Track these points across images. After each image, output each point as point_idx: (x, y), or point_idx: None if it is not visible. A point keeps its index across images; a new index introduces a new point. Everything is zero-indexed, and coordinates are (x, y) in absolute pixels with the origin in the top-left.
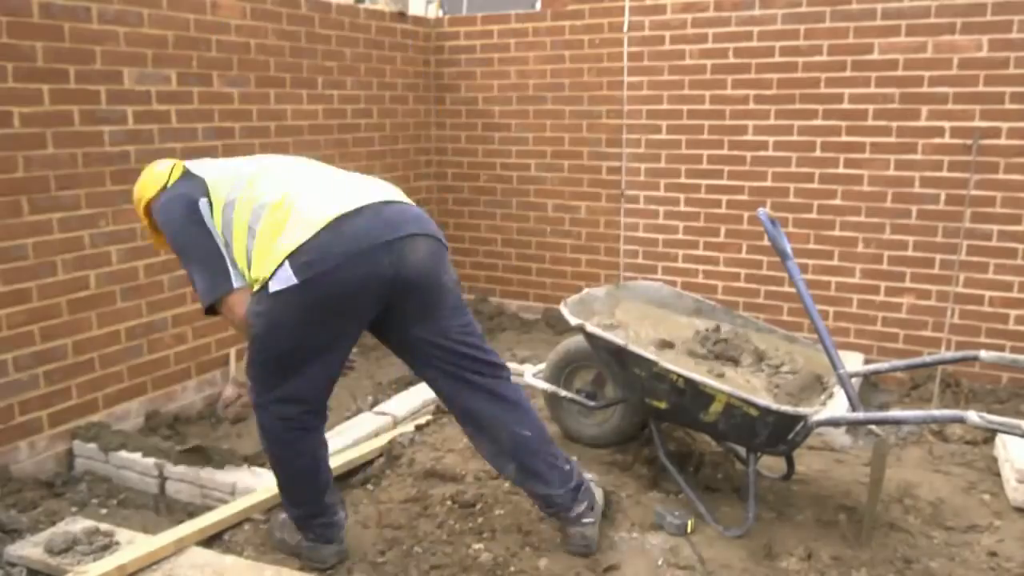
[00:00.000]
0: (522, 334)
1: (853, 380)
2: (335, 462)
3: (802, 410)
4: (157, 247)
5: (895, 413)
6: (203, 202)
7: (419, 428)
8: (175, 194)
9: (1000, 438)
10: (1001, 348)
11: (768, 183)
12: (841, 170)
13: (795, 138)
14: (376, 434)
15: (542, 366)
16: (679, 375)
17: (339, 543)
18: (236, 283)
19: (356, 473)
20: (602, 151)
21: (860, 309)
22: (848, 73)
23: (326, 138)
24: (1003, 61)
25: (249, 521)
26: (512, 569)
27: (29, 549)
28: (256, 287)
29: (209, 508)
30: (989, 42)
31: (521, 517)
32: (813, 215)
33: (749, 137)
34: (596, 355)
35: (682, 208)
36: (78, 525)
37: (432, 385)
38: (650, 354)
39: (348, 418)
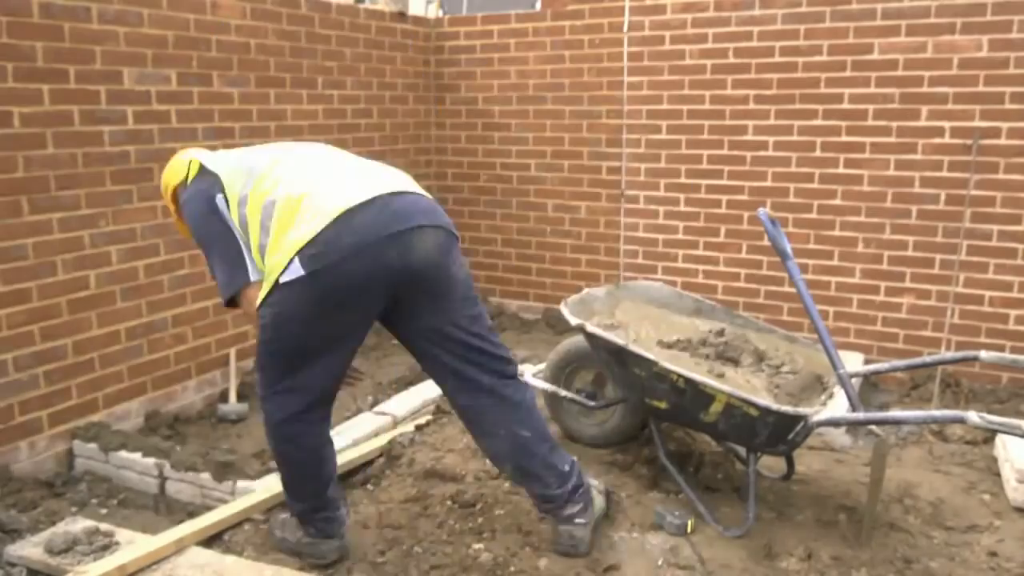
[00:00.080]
0: (522, 334)
1: (853, 380)
2: None
3: (802, 410)
4: (183, 235)
5: (895, 413)
6: (219, 198)
7: (419, 428)
8: (196, 190)
9: (1000, 438)
10: (1001, 348)
11: (768, 183)
12: (841, 170)
13: (795, 138)
14: (376, 434)
15: (542, 366)
16: (679, 375)
17: (339, 538)
18: (254, 276)
19: (356, 473)
20: (602, 151)
21: (860, 309)
22: (848, 73)
23: (326, 138)
24: (1003, 61)
25: (249, 521)
26: (512, 569)
27: (29, 549)
28: (267, 281)
29: (209, 508)
30: (989, 42)
31: (521, 517)
32: (813, 215)
33: (749, 137)
34: (596, 355)
35: (682, 208)
36: (78, 525)
37: (436, 378)
38: (650, 354)
39: (348, 418)
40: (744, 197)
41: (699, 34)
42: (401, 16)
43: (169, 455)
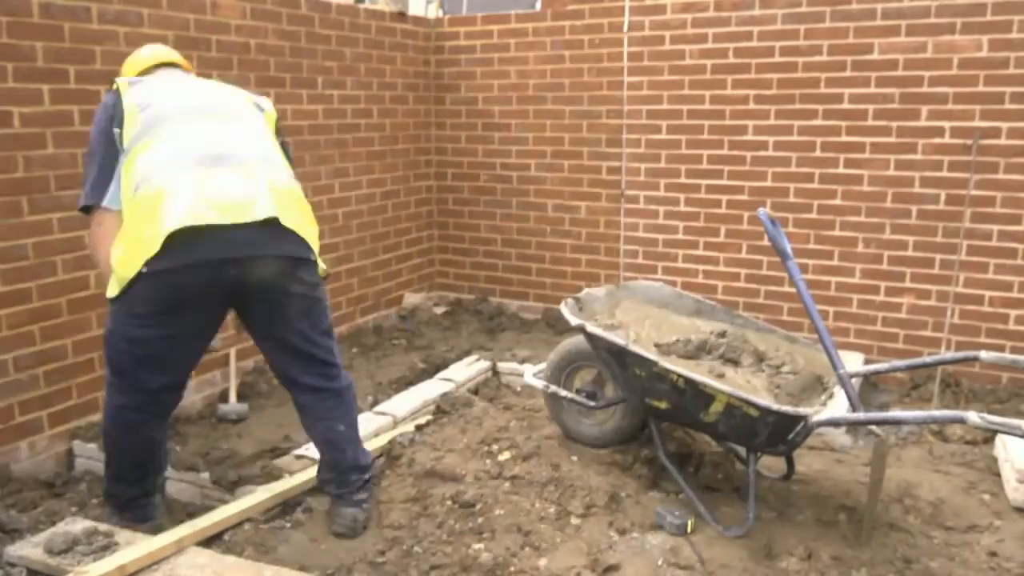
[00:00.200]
0: (522, 334)
1: (853, 380)
2: None
3: (802, 410)
4: None
5: (895, 413)
6: (115, 132)
7: (419, 428)
8: (107, 103)
9: (1000, 438)
10: (1001, 348)
11: (768, 183)
12: (841, 170)
13: (795, 138)
14: (376, 434)
15: (542, 366)
16: (679, 375)
17: (154, 519)
18: (107, 204)
19: None
20: (602, 151)
21: (860, 309)
22: (848, 73)
23: (326, 138)
24: (1003, 61)
25: (249, 521)
26: (512, 569)
27: (29, 549)
28: (116, 277)
29: (209, 508)
30: (989, 42)
31: (521, 517)
32: (813, 215)
33: (749, 137)
34: (596, 355)
35: (682, 208)
36: (78, 525)
37: (275, 374)
38: (650, 354)
39: None
40: (744, 197)
41: (699, 34)
42: (401, 16)
43: (169, 455)
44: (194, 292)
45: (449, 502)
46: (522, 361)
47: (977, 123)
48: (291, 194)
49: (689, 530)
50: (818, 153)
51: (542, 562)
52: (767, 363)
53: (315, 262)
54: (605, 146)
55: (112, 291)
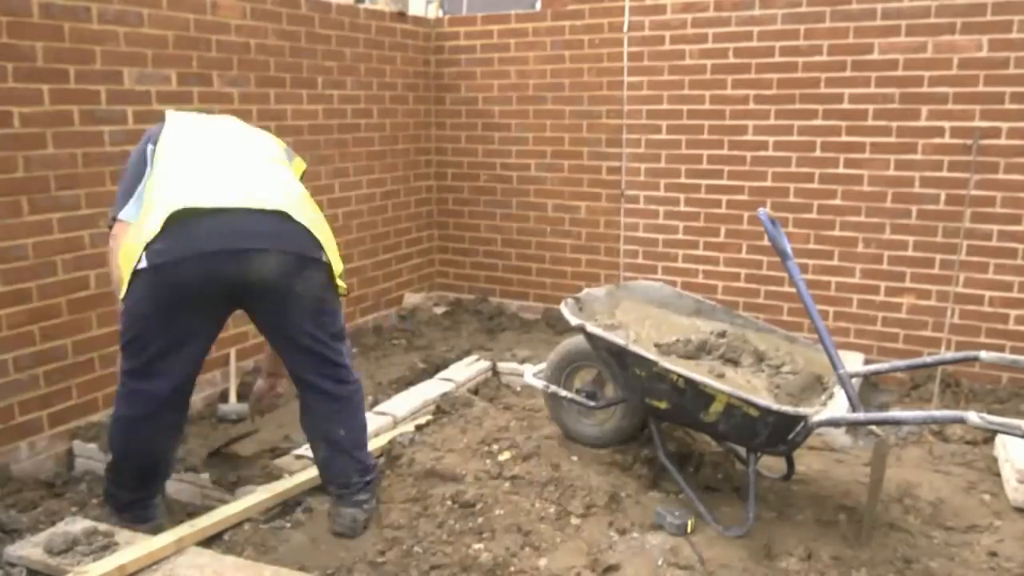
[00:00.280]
0: (522, 334)
1: (853, 380)
2: None
3: (802, 410)
4: None
5: (895, 413)
6: (150, 148)
7: (419, 428)
8: (156, 129)
9: (1000, 438)
10: (1001, 348)
11: (768, 183)
12: (841, 170)
13: (795, 138)
14: (376, 434)
15: (542, 366)
16: (679, 375)
17: (155, 520)
18: (123, 215)
19: None
20: (602, 151)
21: (860, 309)
22: (848, 73)
23: (326, 138)
24: (1003, 61)
25: (249, 521)
26: (512, 569)
27: (29, 549)
28: (125, 270)
29: (209, 508)
30: (989, 42)
31: (521, 517)
32: (813, 215)
33: (749, 137)
34: (596, 355)
35: (682, 208)
36: (78, 525)
37: (287, 370)
38: (650, 354)
39: None
40: (744, 197)
41: (699, 34)
42: (401, 16)
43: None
44: (194, 290)
45: (449, 502)
46: (522, 361)
47: (977, 123)
48: (304, 197)
49: (689, 530)
50: (818, 153)
51: (542, 562)
52: (767, 363)
53: (327, 264)
54: (605, 146)
55: (121, 292)
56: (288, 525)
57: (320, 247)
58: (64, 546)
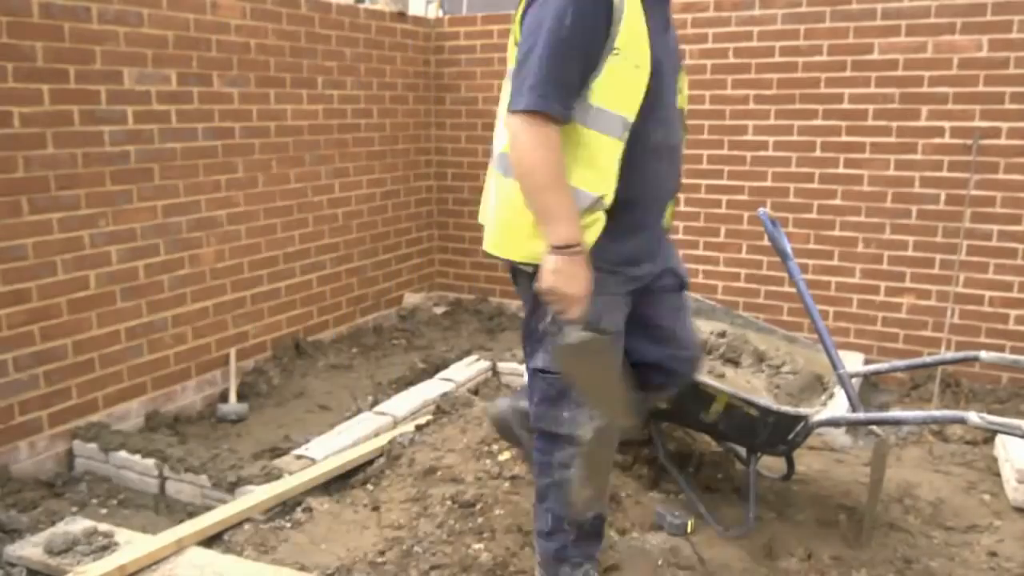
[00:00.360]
0: None
1: (853, 380)
2: (335, 462)
3: (802, 410)
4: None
5: (895, 413)
6: (605, 30)
7: (419, 428)
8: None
9: (1000, 438)
10: (1001, 348)
11: (768, 183)
12: (841, 170)
13: (795, 138)
14: (376, 434)
15: None
16: None
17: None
18: (559, 110)
19: (356, 473)
20: None
21: (860, 309)
22: (848, 73)
23: (326, 138)
24: (1003, 61)
25: (249, 521)
26: (512, 569)
27: (29, 549)
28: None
29: (209, 508)
30: (989, 42)
31: (521, 517)
32: (813, 215)
33: (749, 137)
34: None
35: (682, 208)
36: (78, 525)
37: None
38: None
39: (348, 418)
40: (744, 197)
41: (699, 34)
42: (401, 16)
43: (169, 455)
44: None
45: (449, 502)
46: (522, 361)
47: (977, 123)
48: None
49: (689, 530)
50: (818, 153)
51: None
52: (767, 363)
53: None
54: None
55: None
56: (288, 525)
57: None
58: (64, 546)
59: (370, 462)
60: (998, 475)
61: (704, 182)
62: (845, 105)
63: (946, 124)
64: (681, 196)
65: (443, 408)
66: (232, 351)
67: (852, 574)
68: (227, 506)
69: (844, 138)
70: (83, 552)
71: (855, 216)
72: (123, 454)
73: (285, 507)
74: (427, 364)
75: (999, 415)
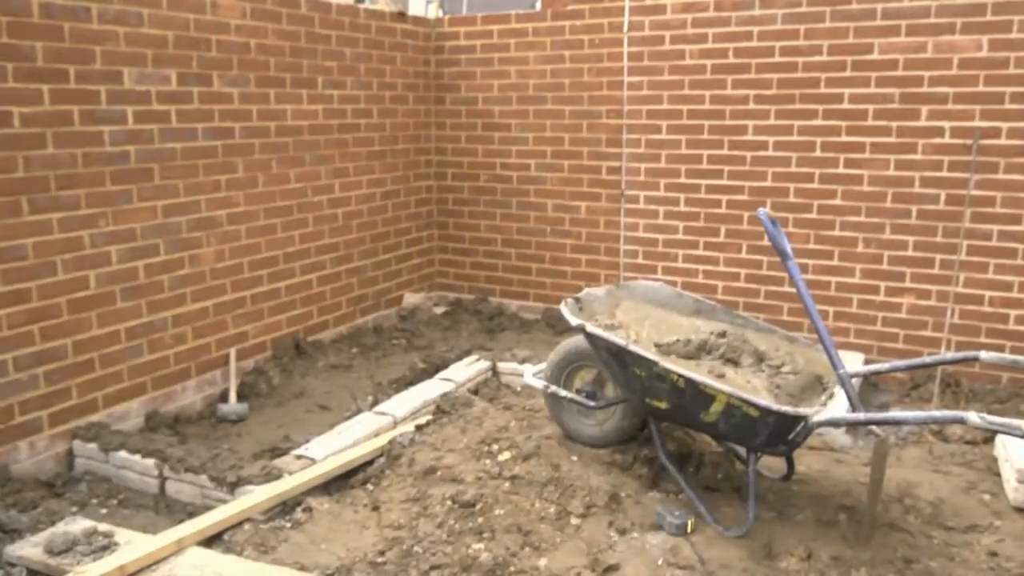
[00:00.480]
0: (522, 334)
1: (853, 380)
2: (335, 462)
3: (802, 411)
4: None
5: (895, 414)
6: None
7: (419, 428)
8: None
9: (1000, 438)
10: (1001, 348)
11: (768, 183)
12: (841, 170)
13: (795, 138)
14: (376, 434)
15: (542, 366)
16: (679, 375)
17: None
18: None
19: (356, 473)
20: (602, 151)
21: (860, 309)
22: (848, 73)
23: (326, 138)
24: (1003, 61)
25: (249, 521)
26: (512, 569)
27: (29, 549)
28: None
29: (209, 508)
30: (989, 42)
31: (521, 517)
32: (813, 215)
33: (749, 137)
34: (596, 355)
35: (682, 208)
36: (78, 525)
37: None
38: (650, 354)
39: (348, 418)
40: (744, 197)
41: (699, 34)
42: (401, 16)
43: (169, 455)
44: None
45: (449, 502)
46: (522, 361)
47: (977, 123)
48: None
49: (689, 530)
50: (818, 153)
51: (542, 562)
52: (767, 363)
53: None
54: (605, 146)
55: None
56: (288, 525)
57: None
58: (64, 546)
59: (370, 462)
60: (998, 475)
61: (704, 182)
62: (845, 105)
63: (946, 124)
64: (681, 196)
65: (443, 408)
66: (232, 351)
67: (852, 574)
68: (227, 506)
69: (844, 138)
70: (83, 552)
71: (855, 216)
72: (123, 454)
73: (285, 507)
74: (427, 364)
75: (999, 415)
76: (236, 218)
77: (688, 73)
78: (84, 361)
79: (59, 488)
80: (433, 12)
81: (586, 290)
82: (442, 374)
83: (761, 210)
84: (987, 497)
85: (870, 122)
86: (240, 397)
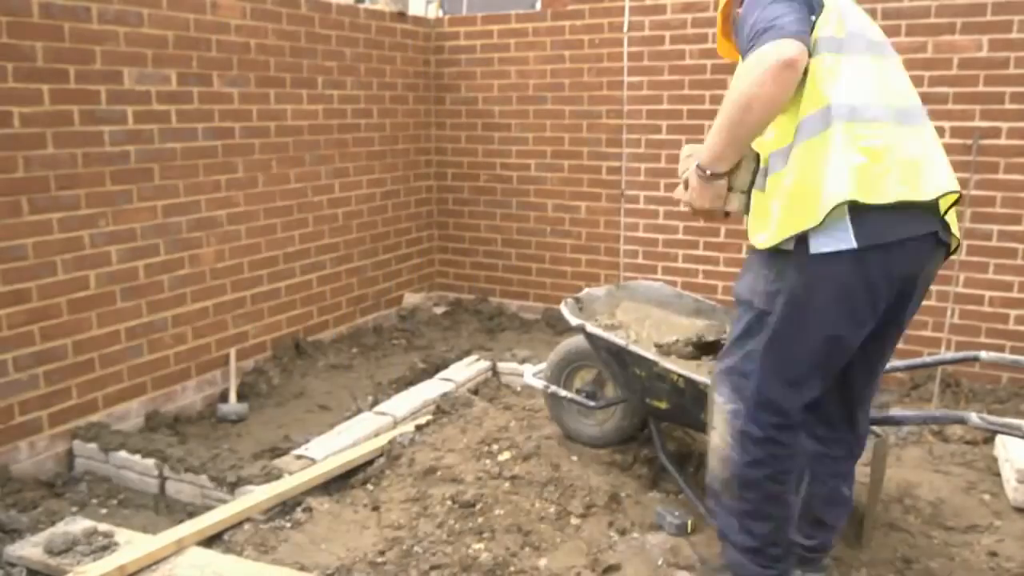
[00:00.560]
0: (522, 334)
1: None
2: (335, 462)
3: None
4: (723, 54)
5: (895, 413)
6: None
7: (419, 428)
8: None
9: (1000, 438)
10: (1001, 348)
11: None
12: None
13: None
14: (376, 434)
15: (542, 366)
16: (679, 375)
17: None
18: (805, 45)
19: (356, 473)
20: (602, 151)
21: None
22: None
23: (326, 138)
24: (1003, 61)
25: (249, 521)
26: (512, 569)
27: (29, 549)
28: (778, 239)
29: (209, 508)
30: (989, 42)
31: (521, 517)
32: None
33: None
34: (596, 355)
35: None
36: (78, 525)
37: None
38: (650, 354)
39: (348, 418)
40: None
41: (699, 34)
42: (401, 16)
43: (169, 455)
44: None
45: (449, 502)
46: (522, 361)
47: (977, 123)
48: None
49: (689, 530)
50: None
51: (542, 562)
52: None
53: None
54: (605, 146)
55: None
56: (288, 525)
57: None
58: (64, 546)
59: (370, 462)
60: (998, 475)
61: None
62: None
63: (946, 124)
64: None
65: (443, 408)
66: (232, 351)
67: (852, 574)
68: (227, 506)
69: None
70: (83, 552)
71: None
72: (123, 454)
73: (285, 507)
74: (427, 364)
75: (999, 415)
76: (236, 218)
77: (688, 73)
78: (84, 361)
79: (59, 488)
80: (433, 12)
81: (586, 290)
82: (442, 374)
83: None
84: (987, 497)
85: None
86: (240, 397)
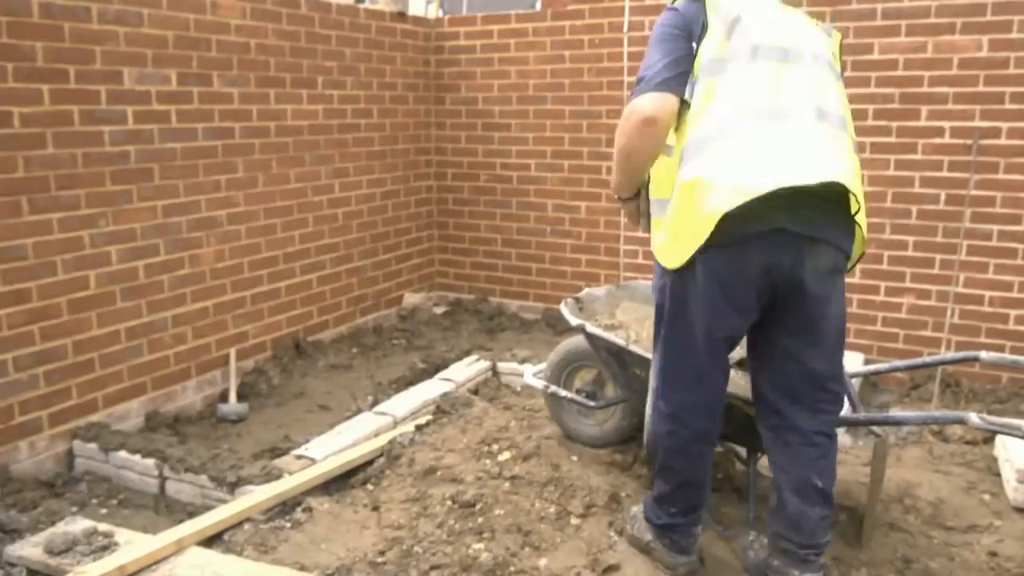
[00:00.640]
0: (522, 334)
1: (853, 380)
2: (335, 462)
3: None
4: None
5: (895, 414)
6: (691, 46)
7: (419, 428)
8: (690, 11)
9: (1000, 438)
10: (1001, 348)
11: None
12: None
13: None
14: (376, 434)
15: (542, 366)
16: None
17: (692, 554)
18: (669, 93)
19: (356, 473)
20: (602, 151)
21: (860, 309)
22: (848, 73)
23: (326, 138)
24: (1003, 61)
25: (249, 521)
26: (512, 569)
27: (29, 549)
28: (675, 250)
29: (209, 508)
30: (989, 42)
31: (521, 517)
32: None
33: None
34: (596, 355)
35: None
36: (78, 525)
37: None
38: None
39: (348, 418)
40: None
41: None
42: (401, 16)
43: (169, 455)
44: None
45: (449, 502)
46: (522, 361)
47: (977, 123)
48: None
49: None
50: None
51: (542, 562)
52: None
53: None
54: (605, 146)
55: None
56: (288, 525)
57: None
58: (64, 546)
59: (370, 462)
60: (998, 475)
61: None
62: None
63: (946, 124)
64: None
65: (443, 408)
66: (232, 351)
67: (852, 574)
68: (227, 506)
69: None
70: (83, 552)
71: None
72: (123, 454)
73: (285, 507)
74: (427, 364)
75: (999, 415)
76: (236, 218)
77: None
78: (84, 361)
79: (59, 488)
80: (433, 12)
81: (586, 290)
82: (442, 374)
83: None
84: (987, 497)
85: (870, 122)
86: (240, 397)
